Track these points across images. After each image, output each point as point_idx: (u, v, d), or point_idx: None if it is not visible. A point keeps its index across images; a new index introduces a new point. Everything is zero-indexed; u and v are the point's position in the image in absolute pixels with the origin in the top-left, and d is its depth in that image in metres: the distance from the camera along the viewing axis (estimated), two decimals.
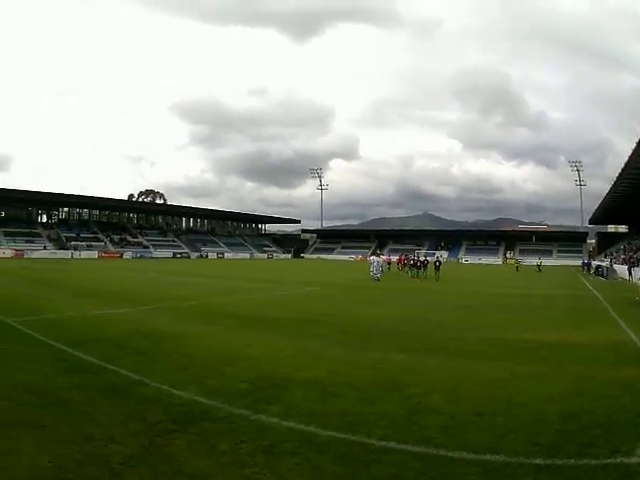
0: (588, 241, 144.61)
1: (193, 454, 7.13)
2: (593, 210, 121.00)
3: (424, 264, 54.16)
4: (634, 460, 7.20)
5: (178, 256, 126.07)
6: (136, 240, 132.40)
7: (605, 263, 72.80)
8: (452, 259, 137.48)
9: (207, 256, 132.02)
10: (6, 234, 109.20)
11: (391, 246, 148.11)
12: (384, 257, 69.59)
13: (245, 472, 6.61)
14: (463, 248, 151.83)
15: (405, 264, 60.47)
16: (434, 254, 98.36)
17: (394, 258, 72.78)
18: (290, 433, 7.94)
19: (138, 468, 6.63)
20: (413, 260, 58.03)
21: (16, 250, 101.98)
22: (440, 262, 54.33)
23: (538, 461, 7.04)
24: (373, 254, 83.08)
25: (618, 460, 7.18)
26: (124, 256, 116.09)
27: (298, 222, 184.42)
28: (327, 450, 7.31)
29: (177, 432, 7.93)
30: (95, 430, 7.85)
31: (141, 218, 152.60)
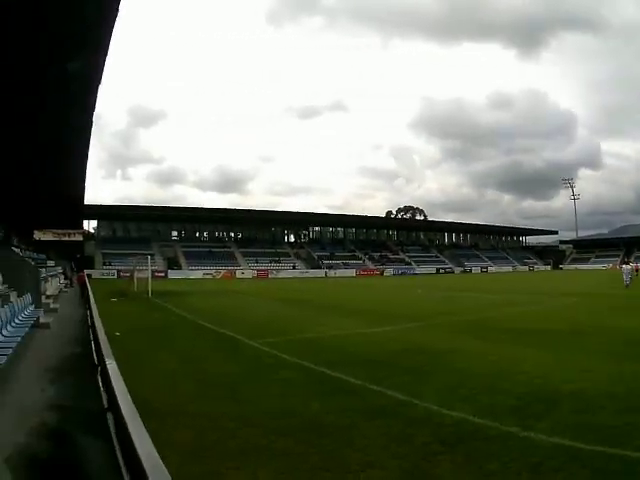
0: None
1: (459, 476, 7.03)
2: None
3: None
4: None
5: (442, 271, 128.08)
6: (397, 257, 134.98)
7: None
8: None
9: (471, 270, 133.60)
10: (245, 254, 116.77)
11: (637, 253, 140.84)
12: (632, 265, 67.43)
13: None
14: None
15: None
16: None
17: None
18: (556, 449, 8.02)
19: None
20: None
21: (259, 270, 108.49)
22: None
23: None
24: (622, 262, 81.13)
25: None
26: (384, 273, 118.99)
27: (555, 233, 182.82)
28: (589, 465, 7.37)
29: (444, 454, 7.78)
30: (352, 455, 7.80)
31: (401, 235, 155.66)
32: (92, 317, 19.62)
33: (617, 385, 11.76)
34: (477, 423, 9.24)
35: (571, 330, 21.29)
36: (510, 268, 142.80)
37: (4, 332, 13.63)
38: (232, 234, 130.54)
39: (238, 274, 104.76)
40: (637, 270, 68.31)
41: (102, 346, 8.35)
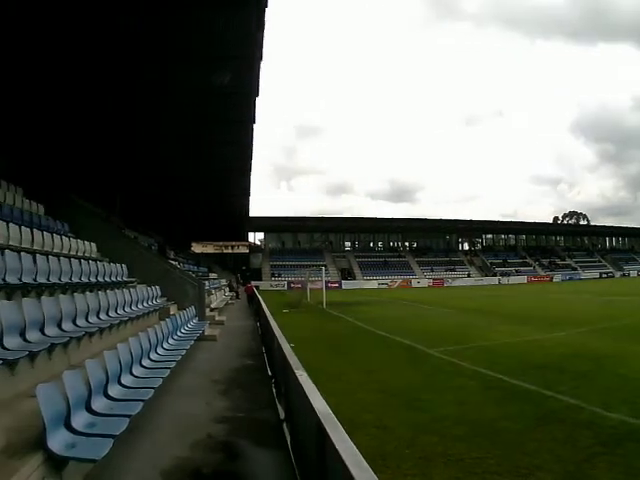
0: None
1: (614, 476, 7.32)
2: None
3: None
4: None
5: (604, 276, 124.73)
6: (564, 262, 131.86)
7: None
8: None
9: (629, 274, 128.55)
10: (421, 264, 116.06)
11: None
12: None
13: None
14: None
15: None
16: None
17: None
18: None
19: None
20: None
21: (434, 279, 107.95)
22: None
23: None
24: None
25: None
26: (554, 279, 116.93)
27: None
28: None
29: (603, 455, 8.10)
30: (521, 459, 8.11)
31: (567, 240, 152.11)
32: (264, 329, 20.00)
33: None
34: (634, 424, 9.51)
35: None
36: None
37: (165, 345, 13.87)
38: (407, 243, 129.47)
39: (414, 283, 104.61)
40: None
41: (288, 357, 8.41)
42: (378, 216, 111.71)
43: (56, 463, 5.97)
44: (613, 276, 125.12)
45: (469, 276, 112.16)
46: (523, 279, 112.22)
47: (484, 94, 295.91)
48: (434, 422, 10.39)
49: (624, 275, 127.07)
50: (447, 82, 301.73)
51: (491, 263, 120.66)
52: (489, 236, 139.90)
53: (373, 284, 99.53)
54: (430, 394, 12.93)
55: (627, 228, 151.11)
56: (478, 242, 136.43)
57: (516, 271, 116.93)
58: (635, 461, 7.67)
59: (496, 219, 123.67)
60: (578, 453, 8.16)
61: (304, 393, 6.10)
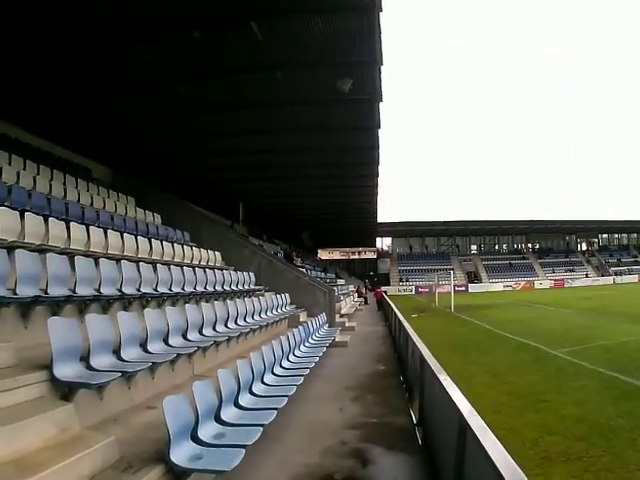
0: None
1: None
2: None
3: None
4: None
5: None
6: None
7: None
8: None
9: None
10: (543, 265, 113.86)
11: None
12: None
13: None
14: None
15: None
16: None
17: None
18: None
19: None
20: None
21: (555, 280, 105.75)
22: None
23: None
24: None
25: None
26: None
27: None
28: None
29: None
30: (632, 455, 8.23)
31: None
32: (393, 333, 19.71)
33: None
34: None
35: None
36: None
37: (297, 353, 13.83)
38: (529, 245, 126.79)
39: (537, 285, 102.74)
40: None
41: (429, 362, 8.15)
42: (504, 219, 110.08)
43: (177, 475, 5.87)
44: None
45: (587, 276, 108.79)
46: (634, 278, 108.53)
47: None
48: (557, 422, 10.48)
49: None
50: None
51: (607, 263, 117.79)
52: (604, 236, 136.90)
53: (498, 286, 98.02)
54: (554, 395, 12.97)
55: None
56: (595, 242, 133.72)
57: (629, 270, 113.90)
58: None
59: (611, 219, 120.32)
60: None
61: (448, 396, 6.01)
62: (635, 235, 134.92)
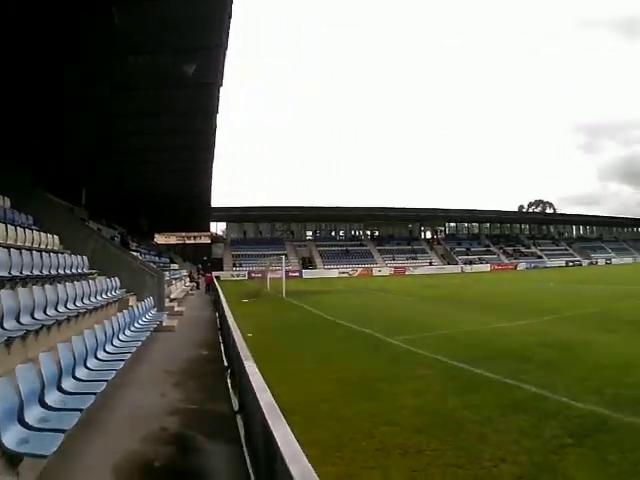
0: None
1: (584, 468, 7.19)
2: None
3: None
4: None
5: (570, 264, 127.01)
6: (529, 251, 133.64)
7: None
8: None
9: (597, 262, 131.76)
10: (382, 252, 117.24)
11: None
12: None
13: None
14: None
15: None
16: None
17: None
18: None
19: None
20: None
21: (395, 267, 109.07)
22: None
23: None
24: None
25: None
26: (518, 267, 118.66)
27: None
28: None
29: (572, 446, 8.03)
30: (485, 450, 8.02)
31: (533, 229, 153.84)
32: (221, 319, 19.89)
33: None
34: (603, 415, 9.45)
35: None
36: (631, 260, 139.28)
37: (122, 337, 13.80)
38: (368, 232, 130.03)
39: (375, 272, 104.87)
40: None
41: (239, 348, 8.35)
42: (341, 205, 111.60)
43: (11, 458, 5.90)
44: (580, 264, 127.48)
45: (431, 264, 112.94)
46: (487, 267, 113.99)
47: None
48: (393, 412, 10.33)
49: (592, 263, 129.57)
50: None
51: (454, 251, 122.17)
52: (452, 224, 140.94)
53: (334, 273, 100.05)
54: (389, 384, 12.92)
55: (594, 217, 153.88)
56: (441, 230, 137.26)
57: (479, 259, 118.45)
58: (607, 454, 7.60)
59: (459, 207, 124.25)
60: (545, 444, 8.10)
61: (251, 385, 6.14)
62: (487, 225, 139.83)
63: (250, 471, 6.41)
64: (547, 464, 7.33)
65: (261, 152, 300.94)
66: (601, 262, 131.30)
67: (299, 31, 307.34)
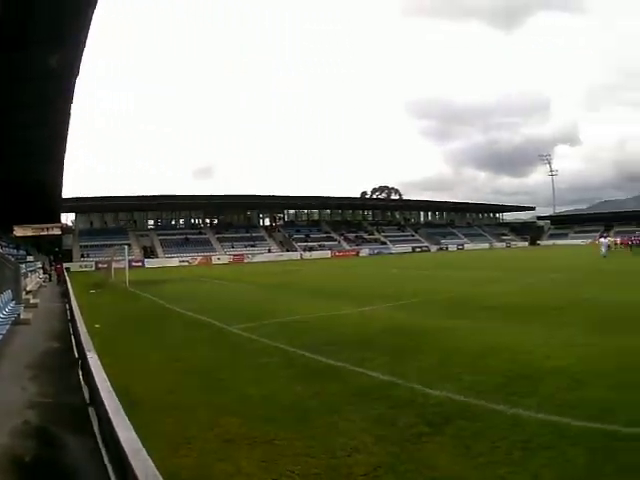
0: None
1: (447, 457, 6.93)
2: None
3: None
4: None
5: (417, 250, 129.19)
6: (372, 237, 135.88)
7: None
8: None
9: (447, 248, 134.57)
10: (221, 240, 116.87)
11: (618, 228, 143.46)
12: (611, 239, 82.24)
13: (500, 472, 6.49)
14: None
15: (627, 244, 77.40)
16: None
17: (619, 239, 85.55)
18: (543, 426, 8.06)
19: (384, 478, 6.48)
20: (632, 240, 77.60)
21: (234, 255, 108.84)
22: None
23: None
24: (601, 237, 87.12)
25: None
26: (360, 253, 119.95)
27: (533, 209, 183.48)
28: (579, 442, 7.36)
29: (430, 435, 7.75)
30: (336, 440, 7.74)
31: (377, 215, 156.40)
32: (71, 310, 19.55)
33: (603, 361, 11.86)
34: (462, 402, 9.23)
35: (552, 306, 21.40)
36: (487, 245, 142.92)
37: None
38: (207, 220, 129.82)
39: (214, 260, 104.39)
40: (616, 244, 78.80)
41: (83, 340, 8.25)
42: (180, 193, 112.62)
43: None
44: (428, 250, 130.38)
45: (270, 251, 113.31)
46: (327, 254, 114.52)
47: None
48: (237, 402, 9.99)
49: (441, 249, 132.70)
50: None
51: (294, 238, 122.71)
52: (292, 211, 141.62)
53: (174, 262, 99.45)
54: (232, 373, 12.60)
55: (442, 202, 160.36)
56: (280, 217, 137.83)
57: (319, 245, 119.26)
58: (469, 441, 7.47)
59: (298, 194, 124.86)
60: (401, 433, 7.85)
61: (94, 377, 6.07)
62: (328, 211, 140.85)
63: (107, 464, 6.35)
64: (405, 453, 7.08)
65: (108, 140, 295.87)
66: (452, 248, 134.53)
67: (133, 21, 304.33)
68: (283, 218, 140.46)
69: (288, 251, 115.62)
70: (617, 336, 14.50)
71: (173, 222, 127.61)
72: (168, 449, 7.39)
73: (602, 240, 69.98)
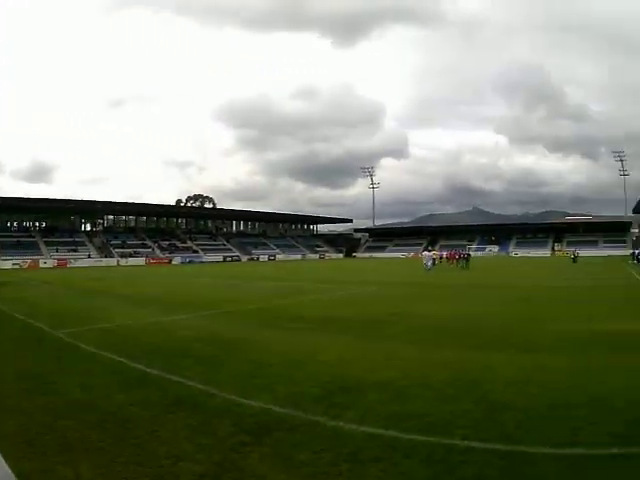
0: (632, 230, 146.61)
1: (271, 467, 6.96)
2: (635, 199, 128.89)
3: (466, 257, 71.79)
4: None
5: (229, 259, 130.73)
6: (185, 245, 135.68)
7: None
8: (502, 253, 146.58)
9: (258, 259, 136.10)
10: (48, 244, 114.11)
11: (443, 242, 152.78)
12: (436, 252, 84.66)
13: None
14: (513, 242, 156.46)
15: (454, 258, 75.21)
16: (484, 249, 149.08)
17: (445, 253, 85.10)
18: (370, 439, 7.88)
19: None
20: (459, 254, 75.58)
21: (58, 260, 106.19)
22: (469, 254, 76.88)
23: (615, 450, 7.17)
24: (425, 250, 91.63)
25: None
26: (173, 262, 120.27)
27: (350, 221, 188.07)
28: (412, 454, 7.26)
29: (251, 445, 7.74)
30: (160, 448, 7.69)
31: (190, 223, 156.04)
32: None
33: (427, 374, 11.97)
34: (280, 413, 9.14)
35: (368, 318, 21.66)
36: (299, 256, 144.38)
37: None
38: (37, 224, 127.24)
39: (41, 263, 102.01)
40: (441, 258, 78.86)
41: None
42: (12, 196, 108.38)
43: None
44: (239, 260, 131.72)
45: (90, 257, 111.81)
46: (142, 261, 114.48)
47: (131, 78, 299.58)
48: (65, 407, 9.80)
49: (252, 259, 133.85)
50: (95, 62, 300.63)
51: (111, 244, 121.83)
52: (111, 217, 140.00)
53: (7, 264, 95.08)
54: (59, 377, 12.33)
55: (255, 212, 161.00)
56: (100, 223, 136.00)
57: (135, 252, 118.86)
58: (295, 453, 7.41)
59: (118, 200, 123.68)
60: (222, 442, 7.86)
61: None
62: (144, 218, 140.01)
63: None
64: (228, 462, 7.12)
65: None
66: (263, 258, 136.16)
67: None
68: (103, 224, 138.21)
69: (106, 257, 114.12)
70: (438, 350, 14.79)
71: (8, 224, 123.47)
72: (15, 451, 7.22)
73: (425, 254, 70.83)
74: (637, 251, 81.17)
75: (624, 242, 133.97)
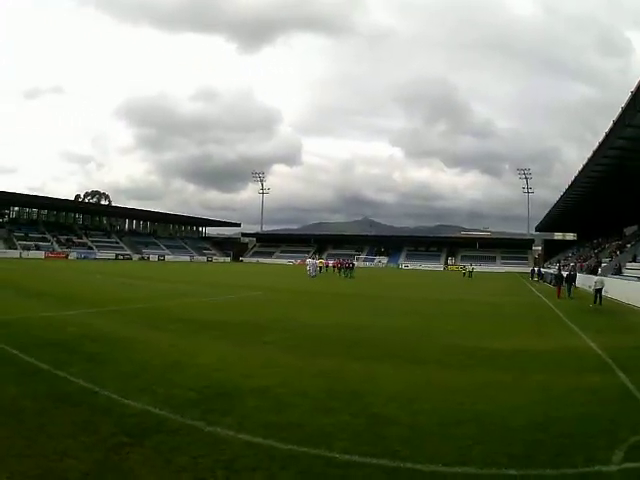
0: (534, 248, 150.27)
1: (151, 470, 6.74)
2: (538, 218, 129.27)
3: (350, 267, 69.94)
4: (613, 468, 7.16)
5: (120, 258, 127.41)
6: (81, 241, 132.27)
7: (553, 270, 72.17)
8: (392, 264, 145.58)
9: (149, 258, 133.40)
10: None
11: (330, 251, 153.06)
12: (323, 261, 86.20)
13: None
14: (403, 254, 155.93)
15: (339, 267, 72.57)
16: (373, 259, 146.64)
17: (331, 262, 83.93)
18: (248, 447, 7.59)
19: None
20: (346, 264, 72.30)
21: None
22: (354, 264, 73.97)
23: (512, 472, 6.94)
24: (309, 258, 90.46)
25: (596, 468, 7.13)
26: (69, 257, 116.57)
27: (238, 225, 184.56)
28: (289, 465, 6.96)
29: (132, 446, 7.49)
30: (48, 443, 7.44)
31: (86, 219, 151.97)
32: None
33: (306, 382, 11.60)
34: (159, 415, 8.89)
35: (250, 323, 21.17)
36: (188, 258, 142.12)
37: None
38: None
39: None
40: (327, 266, 78.45)
41: None
42: None
43: None
44: (131, 258, 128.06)
45: None
46: (41, 254, 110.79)
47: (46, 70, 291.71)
48: None
49: (143, 258, 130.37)
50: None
51: (15, 236, 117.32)
52: (16, 209, 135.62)
53: None
54: None
55: (147, 212, 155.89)
56: (6, 214, 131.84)
57: (36, 246, 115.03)
58: (174, 457, 7.16)
59: (22, 192, 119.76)
60: (104, 442, 7.57)
61: None
62: (46, 211, 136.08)
63: None
64: (110, 462, 6.88)
65: None
66: (153, 258, 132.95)
67: None
68: (9, 215, 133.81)
69: (10, 249, 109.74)
70: (318, 358, 14.37)
71: None
72: None
73: (310, 261, 70.27)
74: (537, 268, 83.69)
75: (525, 259, 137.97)
